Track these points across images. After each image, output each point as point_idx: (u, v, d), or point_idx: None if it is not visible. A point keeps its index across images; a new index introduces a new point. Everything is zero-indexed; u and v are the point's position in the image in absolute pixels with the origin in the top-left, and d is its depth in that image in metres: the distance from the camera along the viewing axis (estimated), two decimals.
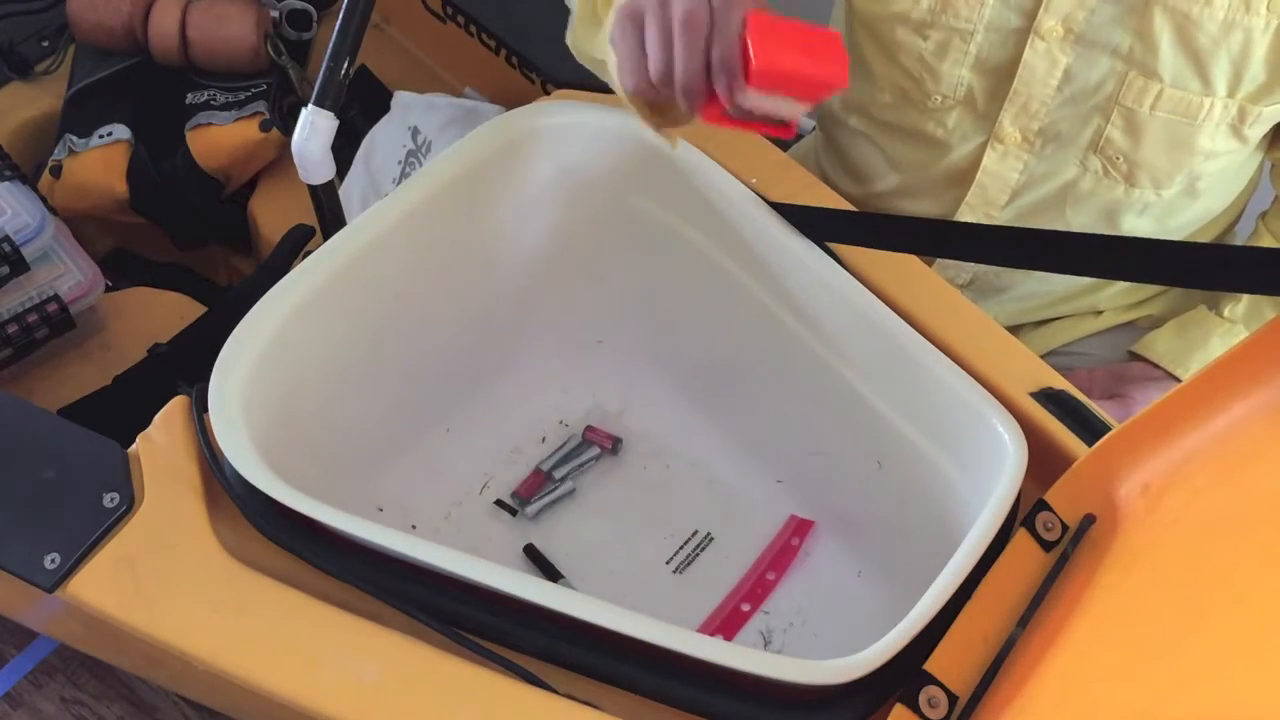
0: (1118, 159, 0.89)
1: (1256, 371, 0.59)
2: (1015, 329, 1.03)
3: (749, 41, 0.61)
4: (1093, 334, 1.05)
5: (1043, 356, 0.79)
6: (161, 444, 0.71)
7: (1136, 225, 0.94)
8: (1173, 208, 0.93)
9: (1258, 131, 0.87)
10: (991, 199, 0.95)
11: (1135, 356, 1.00)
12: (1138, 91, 0.85)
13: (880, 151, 1.00)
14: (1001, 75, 0.88)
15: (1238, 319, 0.96)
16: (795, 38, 0.61)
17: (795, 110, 0.64)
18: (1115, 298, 1.03)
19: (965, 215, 0.96)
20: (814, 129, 1.14)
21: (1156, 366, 0.97)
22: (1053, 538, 0.68)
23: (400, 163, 1.11)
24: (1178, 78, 0.83)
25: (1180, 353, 0.97)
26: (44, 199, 1.03)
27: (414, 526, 0.87)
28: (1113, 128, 0.87)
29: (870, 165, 1.02)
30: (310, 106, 0.83)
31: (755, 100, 0.63)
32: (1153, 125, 0.86)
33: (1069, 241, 0.67)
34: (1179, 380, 0.96)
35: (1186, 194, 0.92)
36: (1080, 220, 0.94)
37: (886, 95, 0.95)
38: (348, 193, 1.12)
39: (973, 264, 1.00)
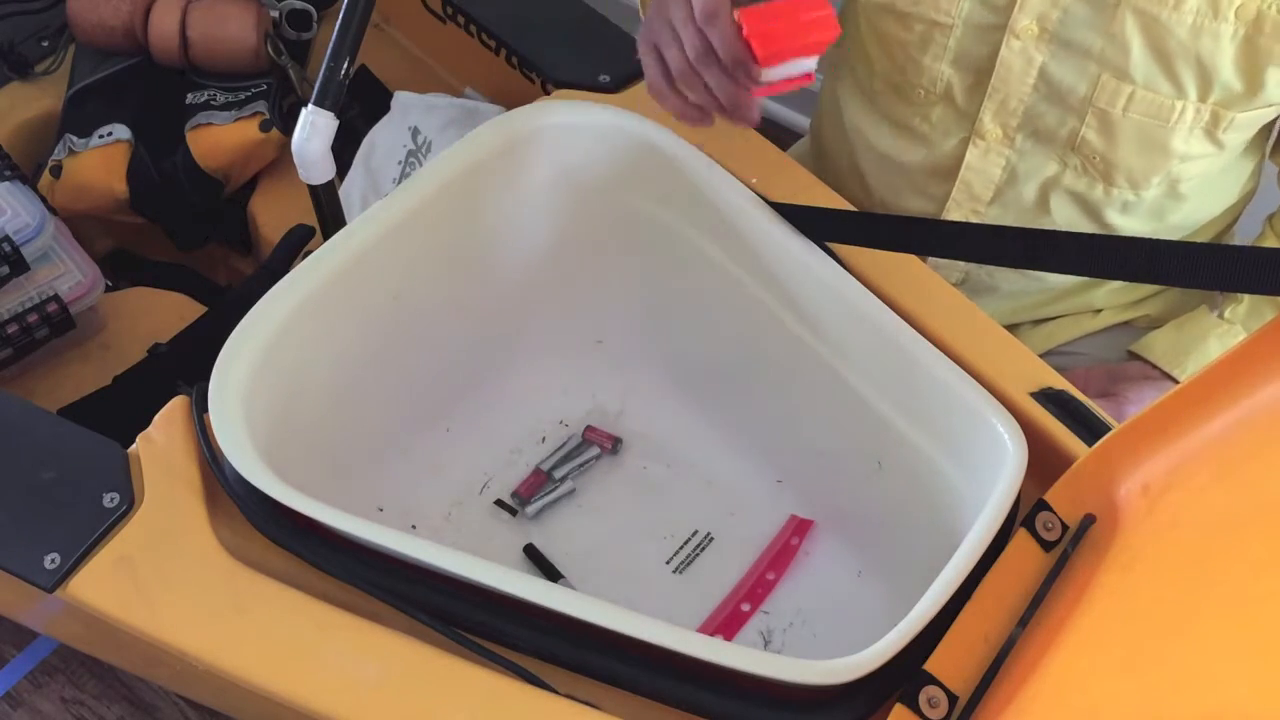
0: (1094, 158, 0.89)
1: (1256, 371, 0.59)
2: (1012, 328, 1.04)
3: (749, 41, 0.69)
4: (1090, 333, 1.05)
5: (1040, 356, 0.80)
6: (161, 444, 0.71)
7: (1121, 224, 0.94)
8: (1158, 209, 0.93)
9: (1235, 137, 0.87)
10: (976, 195, 0.95)
11: (1134, 356, 1.00)
12: (1110, 93, 0.85)
13: (869, 145, 1.01)
14: (980, 71, 0.89)
15: (1237, 320, 0.96)
16: (785, 15, 0.69)
17: (807, 65, 0.73)
18: (1112, 296, 1.03)
19: (952, 211, 0.97)
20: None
21: (1153, 366, 0.97)
22: (1053, 538, 0.68)
23: (400, 163, 1.11)
24: (1149, 80, 0.84)
25: (1177, 352, 0.97)
26: (44, 199, 1.03)
27: (414, 526, 0.87)
28: (1087, 128, 0.88)
29: (860, 161, 1.03)
30: (310, 106, 0.83)
31: (771, 75, 0.72)
32: (1126, 127, 0.86)
33: (1068, 241, 0.67)
34: (1174, 380, 0.96)
35: (1169, 196, 0.92)
36: (1064, 215, 0.94)
37: (879, 84, 0.97)
38: (348, 193, 1.12)
39: (965, 262, 1.00)
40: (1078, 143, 0.89)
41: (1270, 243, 0.97)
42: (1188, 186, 0.92)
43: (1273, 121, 0.90)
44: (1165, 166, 0.89)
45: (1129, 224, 0.94)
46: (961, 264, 1.00)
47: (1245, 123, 0.86)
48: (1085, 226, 0.95)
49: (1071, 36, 0.84)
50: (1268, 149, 0.96)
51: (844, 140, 1.04)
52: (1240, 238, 1.10)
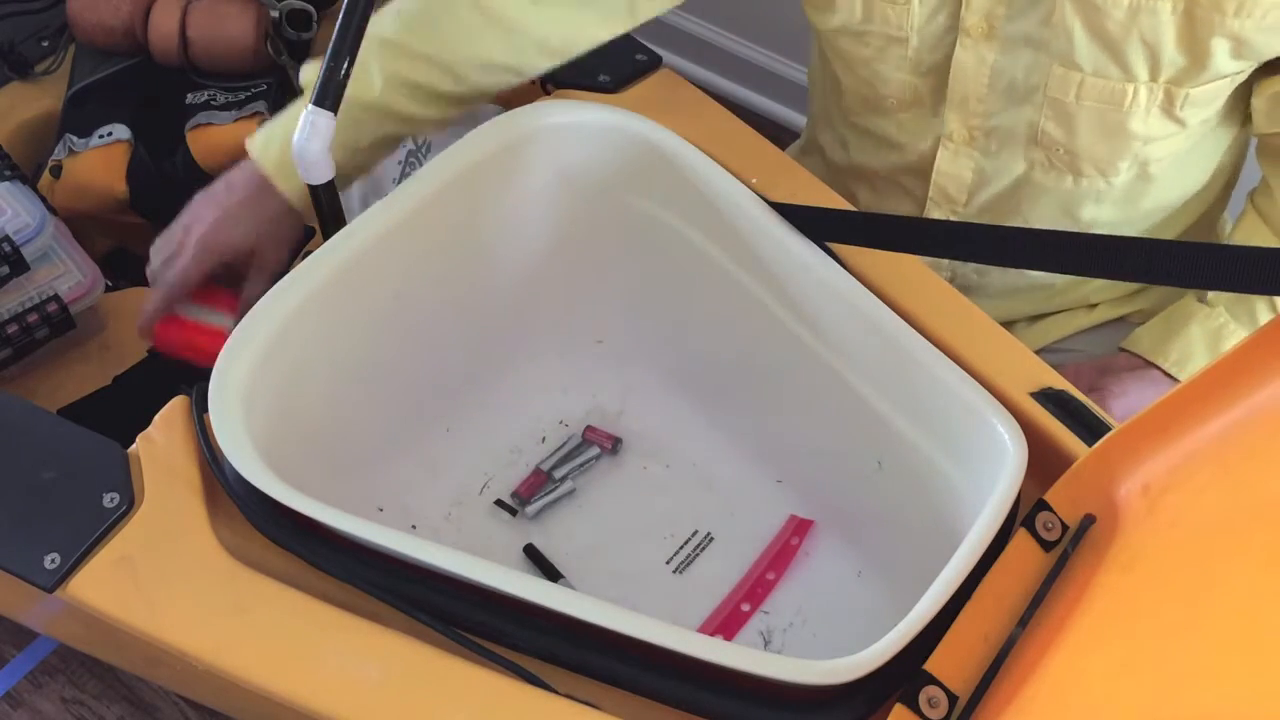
0: (1057, 150, 0.90)
1: (1256, 371, 0.59)
2: (1007, 325, 1.04)
3: (155, 329, 0.88)
4: (1085, 329, 1.05)
5: (1036, 352, 0.80)
6: (161, 444, 0.71)
7: (1096, 215, 0.94)
8: (1130, 195, 0.93)
9: (1195, 113, 0.86)
10: (952, 196, 0.96)
11: (1123, 351, 1.00)
12: (1061, 82, 0.85)
13: (849, 156, 1.02)
14: (940, 75, 0.90)
15: (1220, 303, 0.95)
16: (193, 334, 0.87)
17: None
18: (1105, 290, 1.03)
19: (931, 213, 0.98)
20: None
21: (1138, 356, 0.98)
22: (1053, 538, 0.68)
23: (400, 163, 1.11)
24: (1097, 66, 0.84)
25: (1160, 341, 0.97)
26: (44, 199, 1.03)
27: (414, 526, 0.87)
28: (1046, 120, 0.88)
29: (844, 169, 1.04)
30: (310, 106, 0.83)
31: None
32: (1082, 115, 0.87)
33: (1069, 241, 0.67)
34: (1158, 368, 0.96)
35: (1140, 179, 0.92)
36: (1039, 212, 0.95)
37: (851, 101, 0.98)
38: (348, 193, 1.12)
39: (950, 260, 1.01)
40: (1039, 137, 0.89)
41: (1252, 219, 0.96)
42: (1158, 167, 0.91)
43: (1244, 93, 0.89)
44: (1129, 150, 0.89)
45: (1104, 213, 0.94)
46: (946, 263, 1.01)
47: (1201, 98, 0.85)
48: (1061, 222, 0.95)
49: (1017, 30, 0.85)
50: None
51: (827, 172, 1.05)
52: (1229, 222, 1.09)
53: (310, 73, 0.81)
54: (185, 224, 0.89)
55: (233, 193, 0.88)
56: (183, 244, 0.88)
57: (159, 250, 0.90)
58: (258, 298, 0.74)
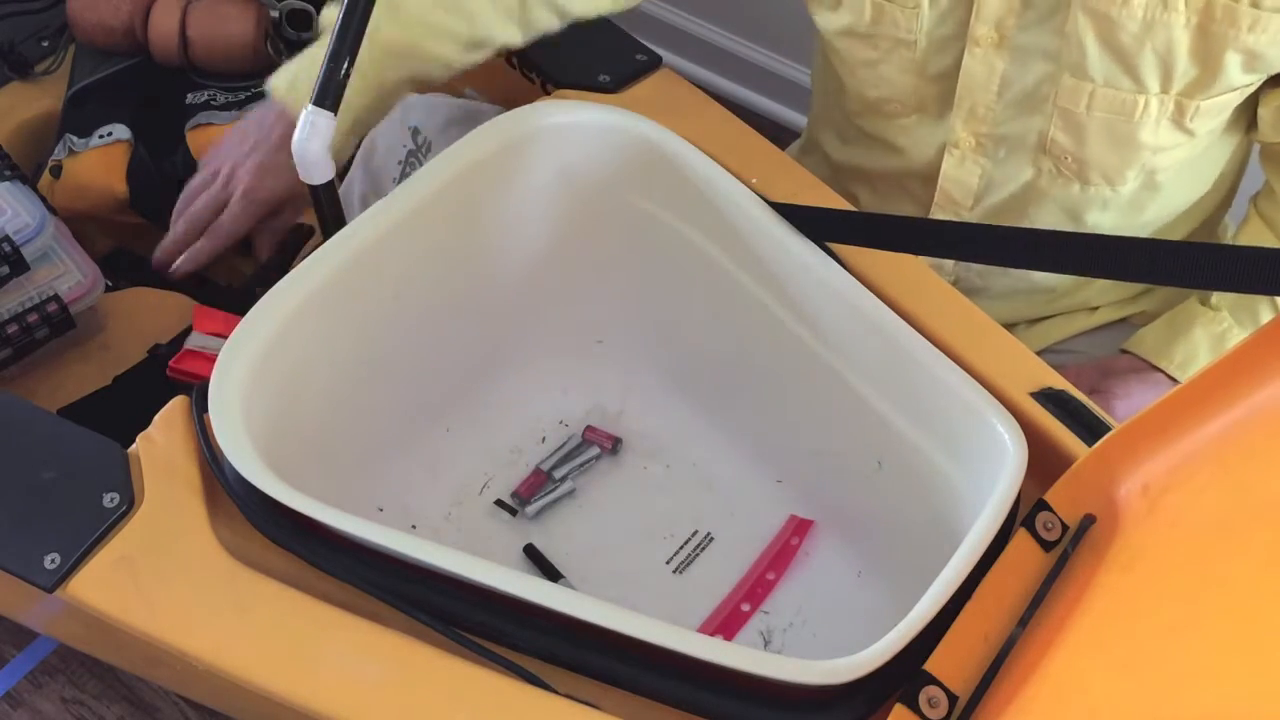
0: (1066, 158, 0.90)
1: (1256, 371, 0.59)
2: (1008, 327, 1.04)
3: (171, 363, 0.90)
4: (1086, 331, 1.05)
5: (1037, 354, 0.80)
6: (161, 444, 0.71)
7: (1100, 221, 0.94)
8: (1136, 202, 0.93)
9: (1204, 124, 0.87)
10: (957, 201, 0.96)
11: (1125, 353, 1.00)
12: (1072, 93, 0.85)
13: (853, 160, 1.02)
14: (948, 82, 0.90)
15: (1224, 306, 0.96)
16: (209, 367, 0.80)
17: None
18: (1107, 292, 1.03)
19: (935, 217, 0.98)
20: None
21: (1141, 359, 0.98)
22: (1053, 538, 0.68)
23: (400, 163, 1.11)
24: (1109, 77, 0.84)
25: (1164, 343, 0.97)
26: (44, 199, 1.03)
27: (414, 526, 0.87)
28: (1055, 129, 0.88)
29: (845, 169, 1.04)
30: (310, 106, 0.83)
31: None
32: (1092, 125, 0.86)
33: (1071, 241, 0.67)
34: (1161, 371, 0.96)
35: (1147, 188, 0.92)
36: (1044, 217, 0.95)
37: (855, 104, 0.98)
38: (348, 193, 1.12)
39: (954, 264, 1.01)
40: (1048, 145, 0.89)
41: (1256, 225, 0.96)
42: (1165, 176, 0.92)
43: (1250, 101, 0.89)
44: (1138, 160, 0.89)
45: (1108, 219, 0.94)
46: (950, 266, 1.01)
47: (1211, 109, 0.85)
48: (1065, 227, 0.95)
49: (1028, 40, 0.85)
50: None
51: (827, 172, 1.05)
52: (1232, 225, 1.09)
53: (330, 14, 0.81)
54: (225, 172, 0.89)
55: (266, 134, 0.89)
56: (227, 195, 0.89)
57: (196, 191, 0.91)
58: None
